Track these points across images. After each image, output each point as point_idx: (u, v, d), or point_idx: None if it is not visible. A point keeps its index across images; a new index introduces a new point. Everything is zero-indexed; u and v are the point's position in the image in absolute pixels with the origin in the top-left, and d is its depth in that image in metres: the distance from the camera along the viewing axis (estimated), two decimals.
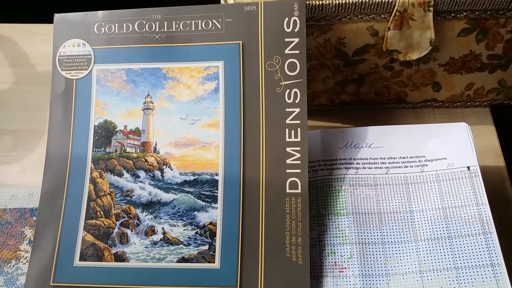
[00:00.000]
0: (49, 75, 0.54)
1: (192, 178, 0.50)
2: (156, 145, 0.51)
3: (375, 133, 0.54)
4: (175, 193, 0.50)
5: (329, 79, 0.59)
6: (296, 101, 0.49)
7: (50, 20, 0.55)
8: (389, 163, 0.52)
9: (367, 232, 0.49)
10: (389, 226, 0.49)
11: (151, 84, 0.52)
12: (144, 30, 0.52)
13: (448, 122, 0.59)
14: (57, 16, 0.54)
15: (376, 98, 0.62)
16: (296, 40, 0.49)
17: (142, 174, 0.51)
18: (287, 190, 0.48)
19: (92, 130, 0.52)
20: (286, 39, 0.50)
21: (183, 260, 0.47)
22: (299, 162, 0.48)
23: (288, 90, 0.49)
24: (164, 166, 0.51)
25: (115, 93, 0.52)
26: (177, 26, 0.52)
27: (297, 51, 0.49)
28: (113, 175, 0.51)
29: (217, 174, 0.49)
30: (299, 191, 0.48)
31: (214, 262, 0.47)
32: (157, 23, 0.52)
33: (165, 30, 0.52)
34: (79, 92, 0.53)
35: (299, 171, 0.48)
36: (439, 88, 0.61)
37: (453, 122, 0.53)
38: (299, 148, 0.48)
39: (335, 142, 0.54)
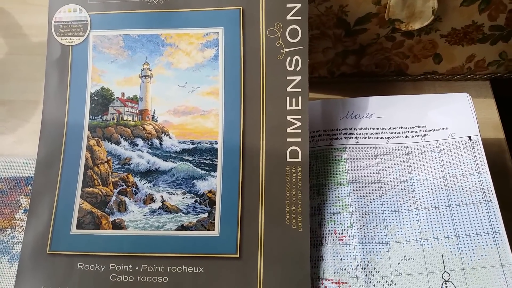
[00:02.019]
0: (44, 46, 0.52)
1: (191, 146, 0.49)
2: (154, 113, 0.50)
3: (376, 103, 0.53)
4: (173, 162, 0.49)
5: (330, 49, 0.58)
6: (298, 69, 0.48)
7: None
8: (389, 133, 0.52)
9: (367, 201, 0.49)
10: (390, 195, 0.49)
11: (149, 51, 0.51)
12: None
13: None
14: None
15: (376, 70, 0.62)
16: (298, 5, 0.48)
17: (140, 142, 0.50)
18: (288, 159, 0.47)
19: (89, 97, 0.51)
20: (287, 5, 0.49)
21: (182, 228, 0.47)
22: (299, 130, 0.48)
23: (289, 58, 0.49)
24: (163, 134, 0.50)
25: (112, 59, 0.51)
26: None
27: (299, 17, 0.48)
28: (111, 143, 0.50)
29: (216, 143, 0.49)
30: (299, 159, 0.47)
31: (213, 230, 0.47)
32: None
33: None
34: (75, 59, 0.52)
35: (299, 139, 0.48)
36: (440, 60, 0.60)
37: None
38: (299, 117, 0.48)
39: (336, 112, 0.53)
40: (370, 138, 0.52)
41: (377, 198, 0.49)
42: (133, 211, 0.48)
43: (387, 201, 0.48)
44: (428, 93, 0.62)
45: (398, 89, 0.63)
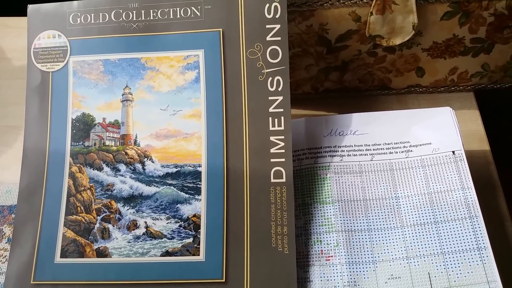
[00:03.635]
0: (26, 69, 0.52)
1: (174, 170, 0.49)
2: (136, 137, 0.50)
3: (359, 120, 0.53)
4: (157, 186, 0.49)
5: (313, 66, 0.58)
6: (279, 89, 0.48)
7: (25, 13, 0.53)
8: (374, 149, 0.52)
9: (353, 220, 0.48)
10: (375, 212, 0.48)
11: (129, 75, 0.51)
12: (121, 19, 0.51)
13: (432, 106, 0.59)
14: (30, 7, 0.52)
15: (360, 85, 0.62)
16: (278, 26, 0.48)
17: (122, 167, 0.50)
18: (272, 180, 0.47)
19: (70, 123, 0.50)
20: (267, 26, 0.49)
21: (167, 253, 0.46)
22: (283, 151, 0.47)
23: (270, 78, 0.48)
24: (145, 159, 0.49)
25: (92, 85, 0.51)
26: (155, 14, 0.50)
27: (279, 38, 0.48)
28: (93, 169, 0.50)
29: (200, 166, 0.48)
30: (283, 180, 0.47)
31: (199, 255, 0.46)
32: (134, 11, 0.50)
33: (143, 18, 0.50)
34: (56, 85, 0.51)
35: (283, 160, 0.47)
36: (423, 74, 0.60)
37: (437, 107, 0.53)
38: (283, 137, 0.48)
39: (320, 130, 0.53)
40: (355, 155, 0.51)
41: (363, 216, 0.48)
42: (116, 238, 0.47)
43: (373, 219, 0.48)
44: (412, 106, 0.62)
45: (382, 103, 0.63)
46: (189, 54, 0.50)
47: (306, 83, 0.61)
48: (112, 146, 0.50)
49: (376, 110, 0.57)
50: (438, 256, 0.45)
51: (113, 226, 0.48)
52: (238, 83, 0.49)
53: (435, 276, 0.44)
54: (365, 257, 0.46)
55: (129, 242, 0.47)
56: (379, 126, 0.52)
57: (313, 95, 0.63)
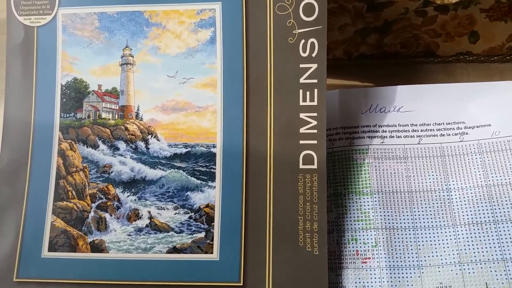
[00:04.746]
0: (5, 23, 0.43)
1: (184, 150, 0.41)
2: (138, 109, 0.41)
3: (405, 94, 0.44)
4: (163, 169, 0.41)
5: (348, 26, 0.49)
6: (313, 55, 0.39)
7: None
8: (421, 130, 0.43)
9: (396, 215, 0.41)
10: (422, 207, 0.41)
11: (130, 32, 0.42)
12: None
13: (483, 79, 0.51)
14: None
15: (401, 51, 0.52)
16: None
17: (122, 145, 0.41)
18: (301, 166, 0.39)
19: (59, 90, 0.42)
20: None
21: (174, 250, 0.39)
22: (315, 131, 0.39)
23: (303, 41, 0.39)
24: (149, 136, 0.41)
25: (85, 44, 0.42)
26: None
27: None
28: (87, 147, 0.41)
29: (214, 146, 0.40)
30: (315, 166, 0.39)
31: (212, 253, 0.39)
32: None
33: None
34: (42, 43, 0.42)
35: (315, 142, 0.39)
36: (477, 39, 0.51)
37: (492, 80, 0.44)
38: (315, 114, 0.39)
39: (357, 105, 0.44)
40: (399, 136, 0.43)
41: (407, 211, 0.41)
42: (115, 230, 0.40)
43: (419, 215, 0.40)
44: (461, 77, 0.53)
45: (426, 72, 0.54)
46: (204, 7, 0.41)
47: (338, 47, 0.52)
48: (109, 119, 0.42)
49: (419, 80, 0.49)
50: (498, 263, 0.38)
51: (111, 216, 0.40)
52: (263, 45, 0.40)
53: (494, 287, 0.37)
54: (409, 261, 0.39)
55: (129, 235, 0.40)
56: (429, 102, 0.44)
57: (345, 61, 0.54)
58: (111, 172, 0.41)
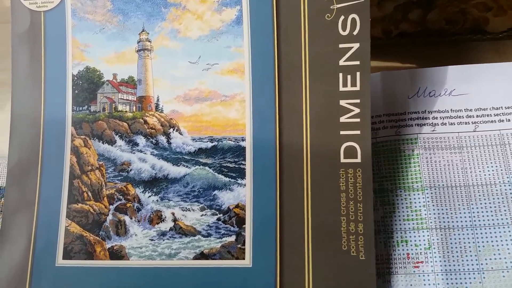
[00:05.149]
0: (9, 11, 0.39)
1: (209, 145, 0.36)
2: (158, 100, 0.37)
3: (456, 75, 0.39)
4: (187, 166, 0.37)
5: (388, 2, 0.44)
6: (354, 33, 0.35)
7: None
8: (477, 116, 0.38)
9: (451, 213, 0.36)
10: (481, 203, 0.36)
11: (146, 14, 0.37)
12: None
13: None
14: None
15: (446, 27, 0.47)
16: None
17: (141, 140, 0.37)
18: (342, 160, 0.35)
19: (70, 81, 0.38)
20: None
21: (202, 256, 0.35)
22: (358, 120, 0.34)
23: (342, 17, 0.35)
24: (171, 130, 0.37)
25: (97, 29, 0.38)
26: None
27: None
28: (102, 143, 0.38)
29: (243, 139, 0.36)
30: (358, 160, 0.34)
31: (244, 259, 0.35)
32: None
33: None
34: (49, 30, 0.38)
35: (358, 132, 0.34)
36: None
37: None
38: (358, 101, 0.34)
39: (402, 89, 0.39)
40: (452, 123, 0.38)
41: (464, 208, 0.36)
42: (136, 235, 0.36)
43: (477, 212, 0.36)
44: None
45: (473, 51, 0.49)
46: None
47: (376, 25, 0.47)
48: (126, 112, 0.38)
49: (466, 60, 0.44)
50: None
51: (131, 219, 0.36)
52: (296, 24, 0.35)
53: None
54: (467, 264, 0.34)
55: (152, 240, 0.36)
56: (485, 84, 0.39)
57: (383, 40, 0.48)
58: (130, 170, 0.37)
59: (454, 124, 0.38)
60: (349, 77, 0.35)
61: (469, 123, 0.38)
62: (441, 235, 0.35)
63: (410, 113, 0.39)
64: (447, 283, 0.34)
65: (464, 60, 0.48)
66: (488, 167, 0.37)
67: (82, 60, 0.38)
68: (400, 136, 0.38)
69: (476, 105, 0.38)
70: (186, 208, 0.36)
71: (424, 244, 0.35)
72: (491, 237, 0.35)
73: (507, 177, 0.36)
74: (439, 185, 0.36)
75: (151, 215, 0.36)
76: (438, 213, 0.36)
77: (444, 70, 0.39)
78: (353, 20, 0.34)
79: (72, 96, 0.38)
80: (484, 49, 0.49)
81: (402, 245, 0.36)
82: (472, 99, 0.38)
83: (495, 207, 0.36)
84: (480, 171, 0.37)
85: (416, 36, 0.48)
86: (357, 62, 0.34)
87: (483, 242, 0.35)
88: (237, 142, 0.36)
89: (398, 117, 0.39)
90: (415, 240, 0.35)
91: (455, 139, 0.38)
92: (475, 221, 0.35)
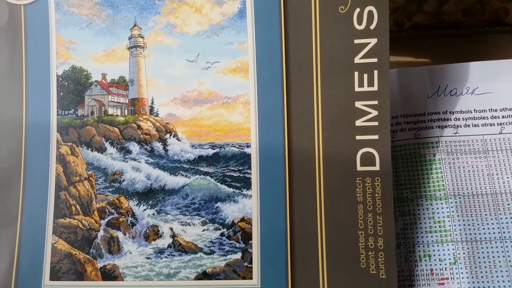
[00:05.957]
0: None
1: (210, 152, 0.33)
2: (152, 103, 0.34)
3: (479, 72, 0.36)
4: (186, 176, 0.33)
5: None
6: (372, 27, 0.31)
7: None
8: (503, 116, 0.35)
9: (478, 224, 0.33)
10: (511, 213, 0.33)
11: (138, 8, 0.34)
12: None
13: None
14: None
15: (463, 19, 0.44)
16: None
17: (134, 147, 0.34)
18: (358, 167, 0.31)
19: (55, 82, 0.34)
20: None
21: (204, 275, 0.32)
22: (376, 123, 0.31)
23: (358, 9, 0.31)
24: (167, 135, 0.33)
25: (84, 24, 0.34)
26: None
27: None
28: (91, 151, 0.34)
29: (249, 145, 0.32)
30: (377, 168, 0.31)
31: (251, 278, 0.31)
32: None
33: None
34: (30, 25, 0.35)
35: (376, 137, 0.31)
36: None
37: None
38: (376, 102, 0.31)
39: (421, 87, 0.36)
40: (476, 125, 0.35)
41: (492, 219, 0.33)
42: (130, 252, 0.32)
43: (507, 223, 0.32)
44: None
45: (491, 45, 0.46)
46: None
47: (389, 17, 0.43)
48: (117, 116, 0.34)
49: (484, 54, 0.41)
50: None
51: (124, 235, 0.33)
52: (306, 17, 0.32)
53: None
54: (497, 281, 0.31)
55: (148, 258, 0.32)
56: (510, 82, 0.35)
57: (395, 33, 0.45)
58: (123, 180, 0.33)
59: (478, 126, 0.35)
60: (365, 76, 0.31)
61: (494, 125, 0.35)
62: (468, 248, 0.32)
63: (430, 114, 0.35)
64: None
65: (482, 54, 0.45)
66: None
67: (67, 58, 0.34)
68: (419, 139, 0.35)
69: (501, 105, 0.35)
70: (185, 222, 0.33)
71: (449, 259, 0.32)
72: None
73: None
74: (463, 193, 0.33)
75: (147, 231, 0.33)
76: (464, 224, 0.33)
77: (466, 67, 0.36)
78: (370, 13, 0.31)
79: (57, 99, 0.34)
80: (502, 42, 0.46)
81: (425, 260, 0.32)
82: (497, 98, 0.35)
83: None
84: (508, 177, 0.33)
85: (431, 29, 0.45)
86: (375, 60, 0.31)
87: None
88: (242, 149, 0.32)
89: (417, 119, 0.35)
90: (439, 255, 0.32)
91: (480, 142, 0.34)
92: (504, 232, 0.32)
